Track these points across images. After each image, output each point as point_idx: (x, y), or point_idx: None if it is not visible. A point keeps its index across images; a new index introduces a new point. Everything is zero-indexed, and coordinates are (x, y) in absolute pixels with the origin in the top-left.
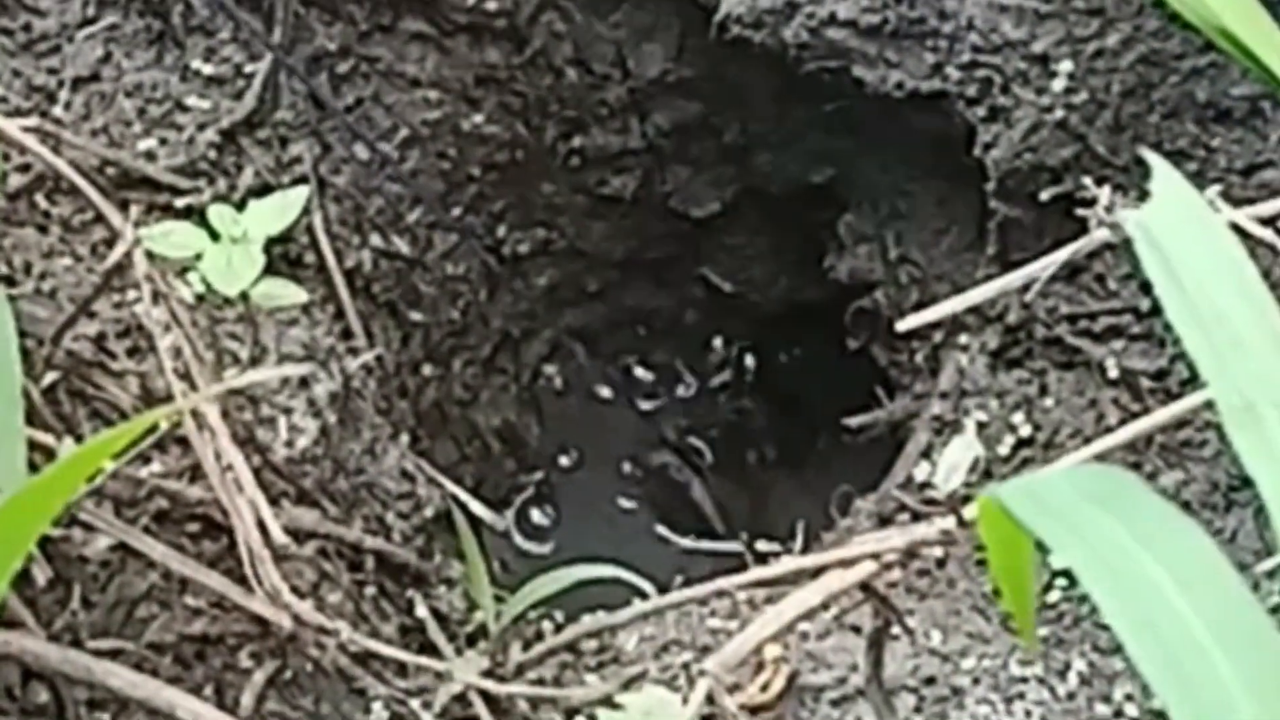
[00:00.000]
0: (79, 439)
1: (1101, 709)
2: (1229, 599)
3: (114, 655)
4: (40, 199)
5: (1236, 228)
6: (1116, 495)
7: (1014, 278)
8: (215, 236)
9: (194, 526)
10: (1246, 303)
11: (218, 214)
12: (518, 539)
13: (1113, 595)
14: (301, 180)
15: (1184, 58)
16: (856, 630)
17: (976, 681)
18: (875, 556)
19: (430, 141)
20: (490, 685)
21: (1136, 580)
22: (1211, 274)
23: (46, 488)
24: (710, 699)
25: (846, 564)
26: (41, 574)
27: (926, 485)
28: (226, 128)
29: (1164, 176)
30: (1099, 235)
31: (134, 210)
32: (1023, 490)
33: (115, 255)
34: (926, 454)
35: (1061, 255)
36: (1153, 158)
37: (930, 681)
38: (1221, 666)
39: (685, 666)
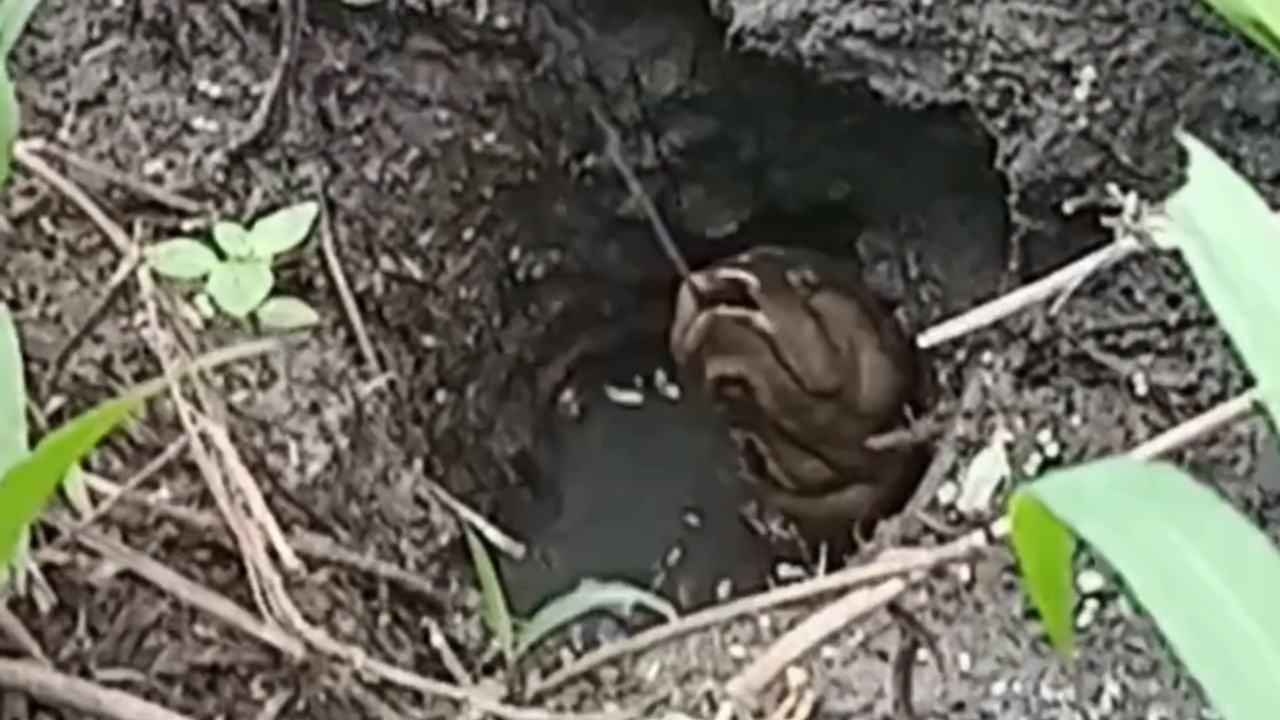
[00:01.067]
0: (85, 466)
1: None
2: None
3: (123, 686)
4: (45, 223)
5: None
6: (1161, 490)
7: (1038, 289)
8: (222, 256)
9: (204, 553)
10: None
11: (224, 233)
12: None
13: (1159, 592)
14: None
15: (1209, 64)
16: (883, 656)
17: (1007, 706)
18: (902, 575)
19: (441, 162)
20: (508, 712)
21: (1184, 577)
22: (1257, 259)
23: (39, 464)
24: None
25: (872, 583)
26: (45, 600)
27: (952, 507)
28: (234, 149)
29: (1202, 161)
30: (1125, 244)
31: (139, 229)
32: (1062, 486)
33: (120, 274)
34: (952, 475)
35: (1087, 265)
36: (1190, 142)
37: (959, 707)
38: (1276, 666)
39: (708, 695)
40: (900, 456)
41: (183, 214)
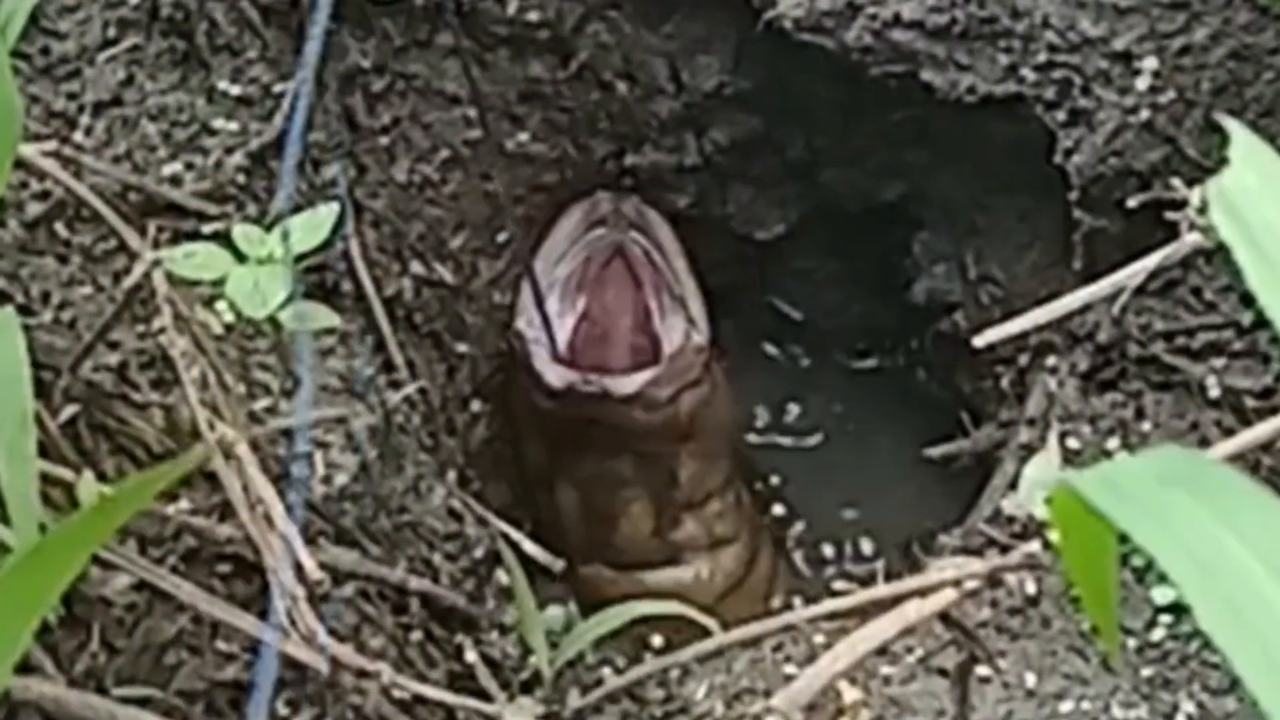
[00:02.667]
0: (101, 475)
1: None
2: None
3: (142, 703)
4: (60, 227)
5: None
6: (1201, 479)
7: (1100, 287)
8: (241, 259)
9: (225, 567)
10: None
11: (243, 234)
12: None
13: (1197, 581)
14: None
15: (1278, 52)
16: (943, 673)
17: None
18: (956, 584)
19: (472, 162)
20: None
21: (1223, 566)
22: None
23: (70, 536)
24: None
25: (924, 592)
26: (53, 613)
27: (1015, 519)
28: (255, 150)
29: (1243, 142)
30: (1190, 239)
31: (152, 229)
32: (1100, 476)
33: (134, 276)
34: (1014, 485)
35: (1151, 261)
36: (1230, 122)
37: None
38: None
39: (758, 717)
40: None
41: (202, 217)
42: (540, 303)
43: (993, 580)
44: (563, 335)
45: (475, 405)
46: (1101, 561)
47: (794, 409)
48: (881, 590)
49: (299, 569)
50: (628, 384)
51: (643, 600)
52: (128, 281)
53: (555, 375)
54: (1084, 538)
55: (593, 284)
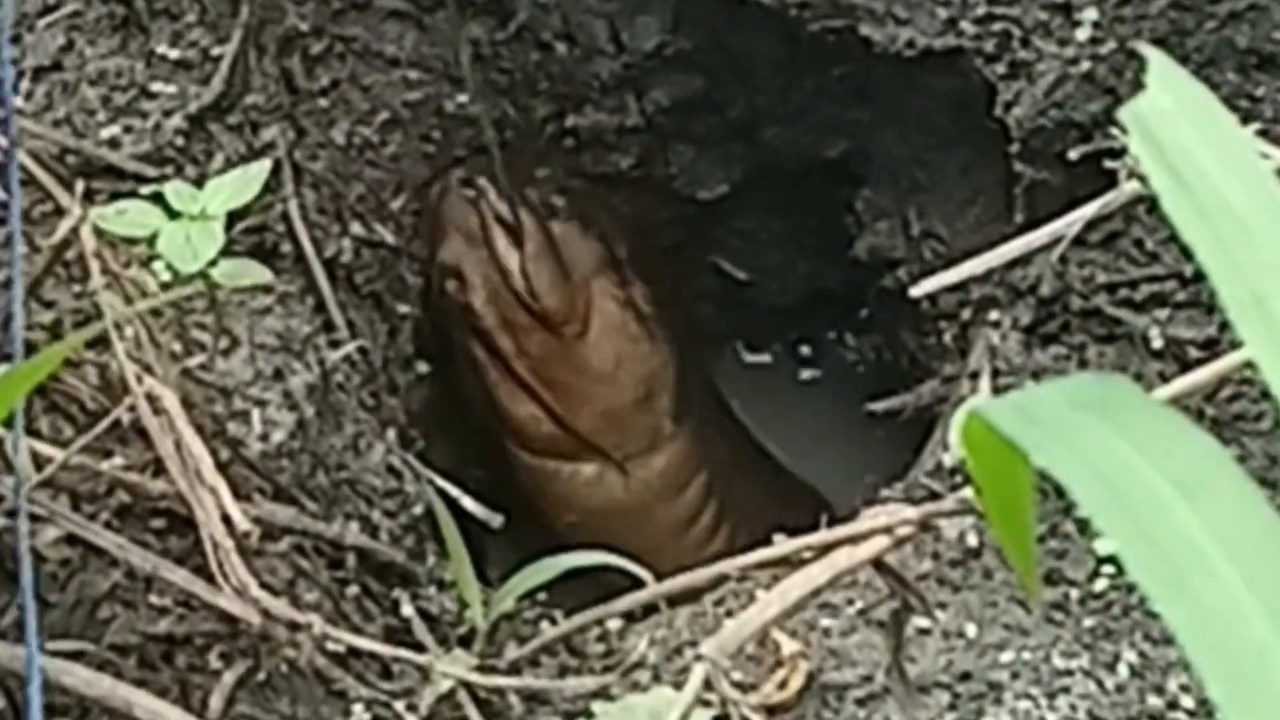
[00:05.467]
0: (35, 432)
1: (1154, 701)
2: (1240, 510)
3: (74, 657)
4: None
5: None
6: (1115, 404)
7: (1039, 235)
8: (174, 217)
9: (158, 522)
10: (1254, 194)
11: (175, 191)
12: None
13: (1108, 507)
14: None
15: (1221, 1)
16: (882, 625)
17: (1016, 676)
18: (887, 531)
19: (412, 124)
20: (478, 678)
21: (1136, 491)
22: (1215, 165)
23: None
24: (709, 686)
25: (856, 540)
26: None
27: (956, 471)
28: (194, 113)
29: (1161, 66)
30: (1129, 187)
31: (84, 188)
32: (1010, 403)
33: (61, 231)
34: None
35: (1090, 209)
36: (1148, 49)
37: (965, 677)
38: (1232, 581)
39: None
40: (668, 466)
41: (140, 179)
42: None
43: (930, 530)
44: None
45: (419, 366)
46: (1017, 492)
47: (739, 366)
48: (814, 539)
49: (228, 522)
50: None
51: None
52: (55, 236)
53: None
54: (998, 467)
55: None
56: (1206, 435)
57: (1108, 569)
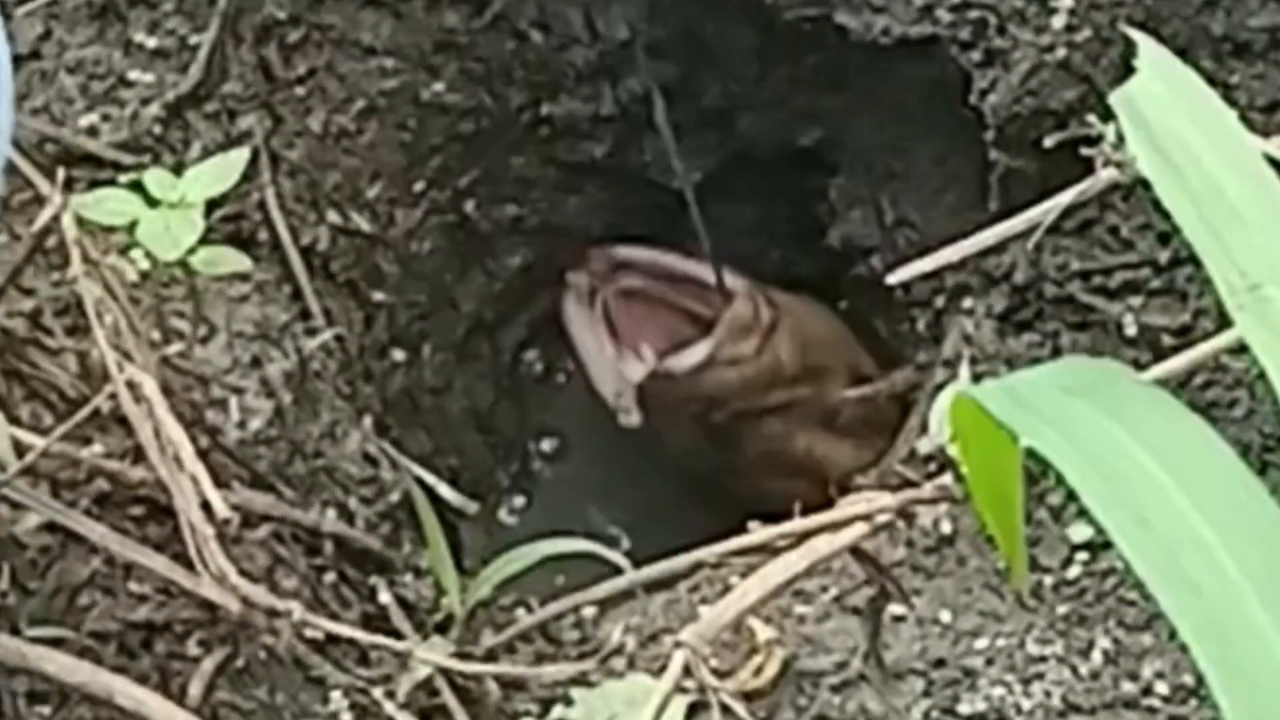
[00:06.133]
0: (15, 420)
1: (1128, 687)
2: (1231, 490)
3: (54, 643)
4: None
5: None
6: (1106, 389)
7: (1014, 223)
8: (153, 204)
9: (138, 509)
10: (1245, 177)
11: (154, 179)
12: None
13: (1100, 489)
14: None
15: None
16: (857, 612)
17: (990, 662)
18: (866, 518)
19: (388, 112)
20: (455, 664)
21: (1129, 474)
22: (1205, 148)
23: None
24: (687, 673)
25: (834, 527)
26: None
27: (931, 459)
28: (172, 101)
29: (1150, 51)
30: (1106, 175)
31: (66, 176)
32: (1002, 387)
33: (42, 219)
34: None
35: (1066, 197)
36: (1136, 34)
37: (940, 664)
38: (1224, 561)
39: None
40: None
41: (119, 167)
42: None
43: (907, 518)
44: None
45: (396, 354)
46: (1005, 477)
47: None
48: (791, 526)
49: (207, 509)
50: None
51: None
52: (36, 225)
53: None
54: (987, 452)
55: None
56: (1196, 417)
57: (1081, 556)
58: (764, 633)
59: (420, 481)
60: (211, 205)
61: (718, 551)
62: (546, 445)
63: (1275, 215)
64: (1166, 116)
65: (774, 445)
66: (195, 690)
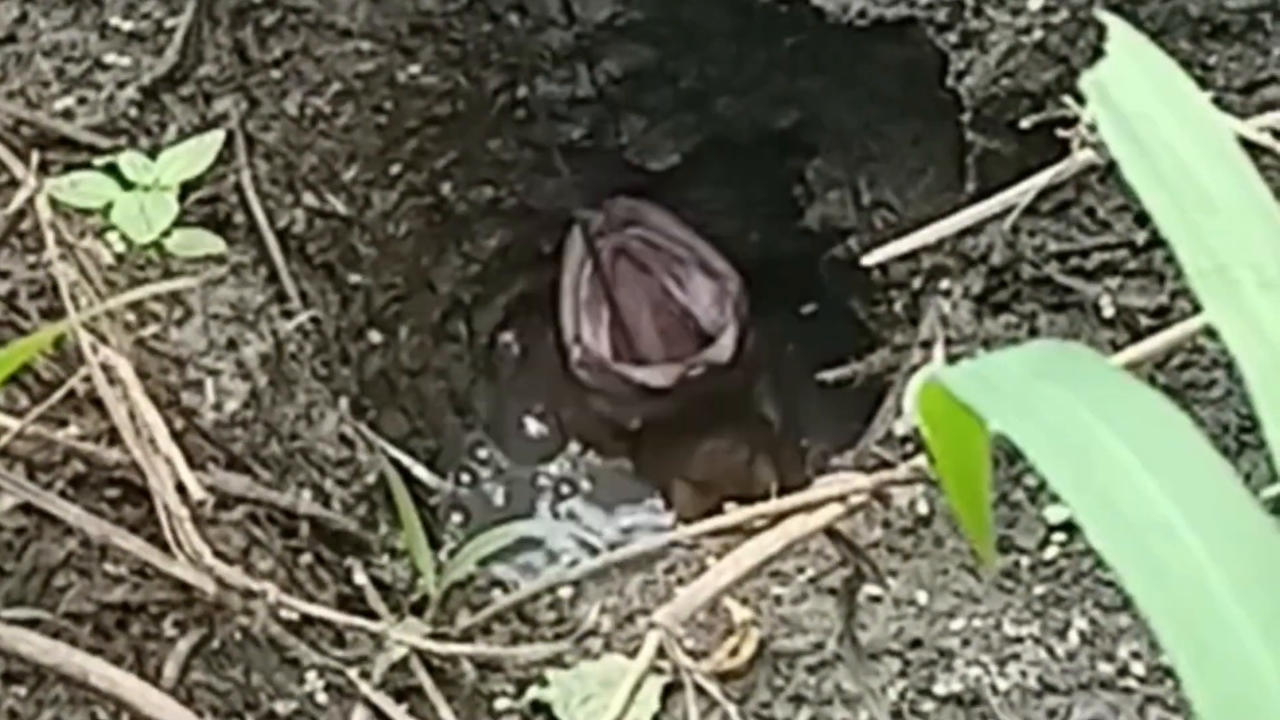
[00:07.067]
0: None
1: (1105, 668)
2: (1201, 476)
3: (30, 625)
4: None
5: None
6: (1074, 371)
7: (990, 204)
8: (128, 187)
9: (113, 491)
10: (1216, 160)
11: (130, 162)
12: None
13: (1068, 474)
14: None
15: None
16: (833, 593)
17: (966, 643)
18: (841, 499)
19: (364, 95)
20: (431, 645)
21: (1096, 458)
22: (1176, 132)
23: None
24: (662, 653)
25: (809, 508)
26: None
27: (907, 440)
28: (147, 84)
29: (1122, 34)
30: (1082, 156)
31: (42, 159)
32: (969, 371)
33: (16, 202)
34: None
35: (1042, 178)
36: (1108, 16)
37: (916, 644)
38: (1194, 547)
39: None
40: None
41: (94, 150)
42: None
43: (883, 499)
44: (603, 347)
45: (372, 336)
46: (973, 461)
47: None
48: (766, 507)
49: (183, 491)
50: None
51: None
52: (10, 207)
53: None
54: (955, 436)
55: (609, 292)
56: (1167, 401)
57: (1058, 537)
58: (740, 613)
59: (396, 463)
60: (187, 188)
61: (693, 532)
62: (526, 430)
63: (1246, 198)
64: (1137, 99)
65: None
66: (170, 671)
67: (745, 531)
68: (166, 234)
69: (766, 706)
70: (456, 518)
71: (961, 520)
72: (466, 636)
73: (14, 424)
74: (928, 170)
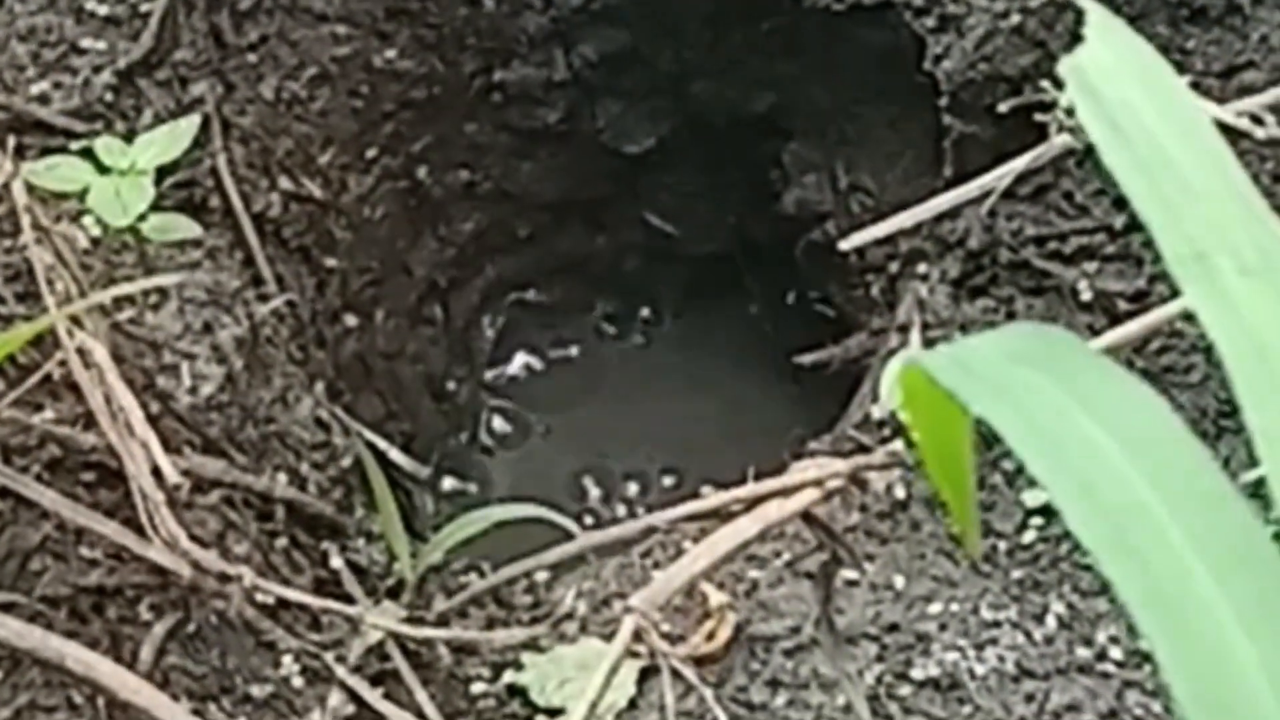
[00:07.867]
0: None
1: (1082, 652)
2: (1180, 462)
3: (6, 609)
4: None
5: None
6: (1053, 355)
7: (968, 189)
8: (103, 171)
9: (89, 475)
10: (1193, 145)
11: (105, 146)
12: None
13: (1046, 459)
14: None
15: None
16: (809, 577)
17: (944, 627)
18: (817, 483)
19: (340, 79)
20: (407, 629)
21: (1075, 443)
22: (1154, 117)
23: None
24: (638, 637)
25: (786, 493)
26: None
27: (885, 424)
28: (123, 69)
29: (1100, 20)
30: (1059, 141)
31: (12, 142)
32: (949, 354)
33: None
34: None
35: (1020, 163)
36: (1086, 1)
37: (893, 628)
38: (1171, 532)
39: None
40: None
41: (70, 135)
42: None
43: (860, 483)
44: None
45: (348, 319)
46: (955, 444)
47: (668, 321)
48: (743, 492)
49: (158, 475)
50: None
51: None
52: None
53: None
54: (936, 419)
55: None
56: (1145, 386)
57: (1036, 521)
58: (716, 598)
59: (372, 447)
60: (163, 172)
61: (670, 517)
62: (500, 414)
63: (1224, 183)
64: (1115, 85)
65: None
66: (146, 655)
67: (722, 516)
68: (143, 218)
69: (743, 690)
70: (432, 501)
71: (945, 504)
72: (442, 620)
73: None
74: (905, 154)
